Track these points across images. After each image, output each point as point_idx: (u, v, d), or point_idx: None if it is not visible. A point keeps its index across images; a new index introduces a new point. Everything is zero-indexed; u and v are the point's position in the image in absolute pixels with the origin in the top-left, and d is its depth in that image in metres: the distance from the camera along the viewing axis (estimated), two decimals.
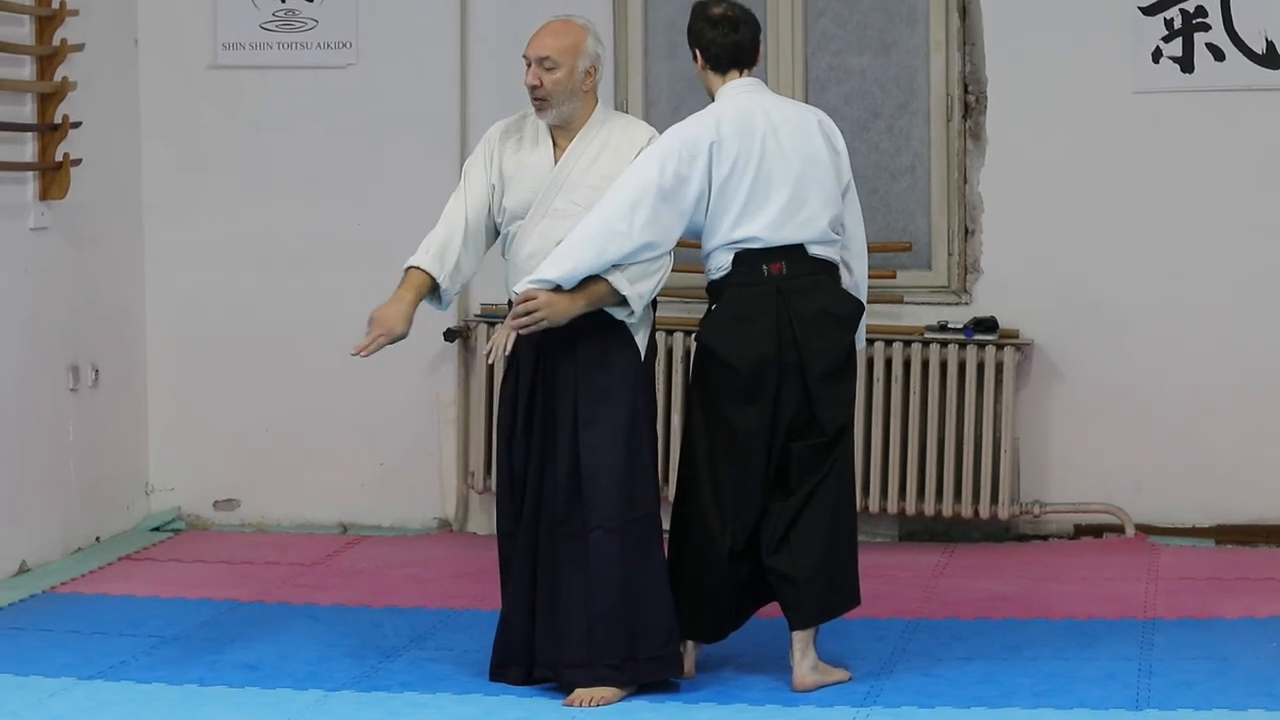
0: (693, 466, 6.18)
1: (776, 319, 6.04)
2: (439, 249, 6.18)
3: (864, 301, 6.25)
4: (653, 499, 6.09)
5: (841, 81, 8.40)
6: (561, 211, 6.07)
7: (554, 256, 5.98)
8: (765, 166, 6.03)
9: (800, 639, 6.12)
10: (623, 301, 6.00)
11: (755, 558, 6.13)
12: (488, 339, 8.34)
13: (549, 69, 6.09)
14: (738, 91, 6.14)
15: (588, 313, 6.01)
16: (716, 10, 6.15)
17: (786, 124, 6.10)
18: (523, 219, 6.15)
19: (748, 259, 6.05)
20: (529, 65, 6.11)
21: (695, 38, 6.19)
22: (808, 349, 6.04)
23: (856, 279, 6.23)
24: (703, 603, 6.15)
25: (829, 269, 6.13)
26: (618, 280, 5.98)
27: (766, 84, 6.31)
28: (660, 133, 6.15)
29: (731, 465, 6.09)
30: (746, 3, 6.23)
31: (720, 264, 6.09)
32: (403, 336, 6.17)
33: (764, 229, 6.03)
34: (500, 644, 6.24)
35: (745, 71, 6.17)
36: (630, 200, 5.96)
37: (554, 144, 6.17)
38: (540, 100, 6.11)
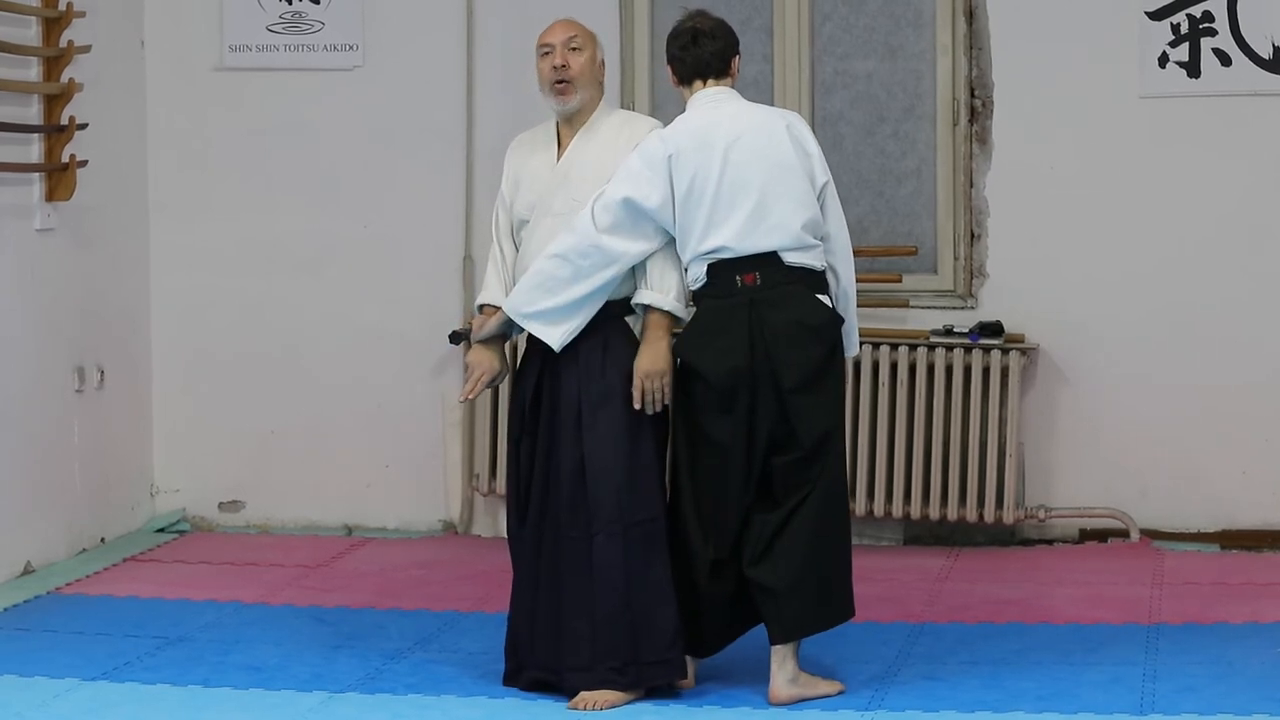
0: (676, 478, 6.16)
1: (749, 331, 6.00)
2: (498, 282, 6.24)
3: (853, 304, 6.20)
4: (657, 503, 6.07)
5: (847, 86, 8.39)
6: (562, 211, 6.08)
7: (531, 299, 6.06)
8: (728, 176, 5.99)
9: (778, 650, 6.06)
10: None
11: (740, 572, 6.09)
12: None
13: (575, 49, 6.10)
14: (702, 102, 6.14)
15: (594, 317, 6.03)
16: (682, 24, 6.20)
17: (750, 131, 6.06)
18: (529, 221, 6.16)
19: (721, 270, 6.02)
20: (551, 51, 6.11)
21: (666, 55, 6.24)
22: (780, 361, 6.00)
23: (844, 284, 6.17)
24: (688, 614, 6.10)
25: (807, 278, 6.06)
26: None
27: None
28: (664, 127, 6.15)
29: (710, 477, 6.07)
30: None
31: (696, 275, 6.07)
32: (504, 374, 6.30)
33: (731, 238, 5.99)
34: (511, 649, 6.24)
35: (713, 81, 6.16)
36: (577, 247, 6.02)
37: (559, 144, 6.18)
38: (565, 84, 6.10)
